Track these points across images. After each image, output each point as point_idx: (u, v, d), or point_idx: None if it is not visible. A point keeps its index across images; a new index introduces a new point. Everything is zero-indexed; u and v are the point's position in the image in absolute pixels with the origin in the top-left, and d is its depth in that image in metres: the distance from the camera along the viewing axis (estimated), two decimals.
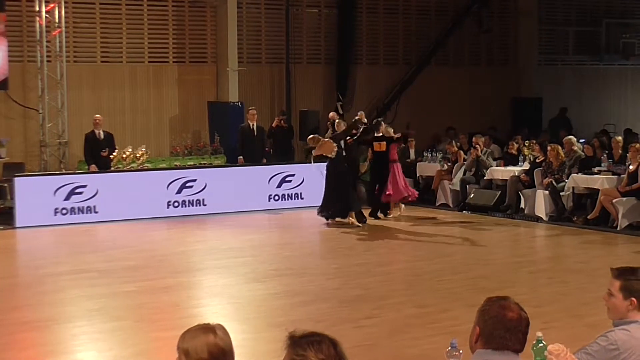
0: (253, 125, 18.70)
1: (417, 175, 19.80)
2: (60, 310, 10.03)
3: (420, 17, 23.58)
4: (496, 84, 24.04)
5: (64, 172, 17.84)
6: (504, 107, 24.13)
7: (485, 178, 17.98)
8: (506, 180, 17.45)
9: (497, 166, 18.24)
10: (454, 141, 19.73)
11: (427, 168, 19.60)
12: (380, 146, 17.05)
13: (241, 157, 18.63)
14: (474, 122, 22.74)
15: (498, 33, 24.60)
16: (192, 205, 17.36)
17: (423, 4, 23.59)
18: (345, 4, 22.34)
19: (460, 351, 4.28)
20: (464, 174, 18.39)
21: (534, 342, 4.19)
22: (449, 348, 4.30)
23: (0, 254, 14.29)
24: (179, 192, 17.32)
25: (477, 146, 18.25)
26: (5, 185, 17.03)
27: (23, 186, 16.27)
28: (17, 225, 15.97)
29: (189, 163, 18.78)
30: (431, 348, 8.05)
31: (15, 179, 16.33)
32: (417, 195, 17.67)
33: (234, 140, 18.99)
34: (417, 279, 11.52)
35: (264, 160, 18.98)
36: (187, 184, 17.40)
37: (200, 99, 20.60)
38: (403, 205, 17.53)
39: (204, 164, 18.73)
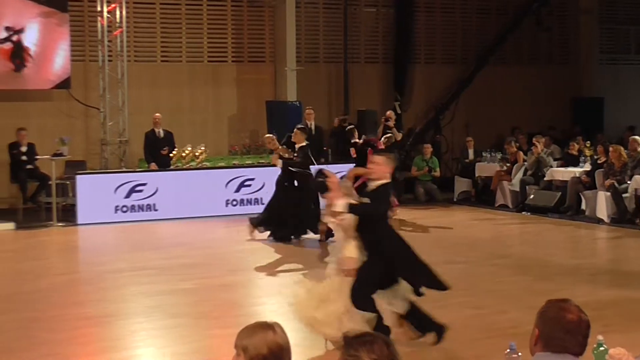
0: (311, 124, 18.73)
1: (476, 175, 19.66)
2: (120, 307, 10.16)
3: (479, 15, 23.41)
4: (556, 84, 23.77)
5: (124, 170, 18.07)
6: (564, 107, 23.85)
7: (545, 179, 17.79)
8: (566, 181, 17.24)
9: (557, 167, 18.03)
10: (512, 141, 19.55)
11: (486, 168, 19.45)
12: (352, 152, 16.49)
13: None
14: (533, 122, 22.53)
15: (558, 32, 24.33)
16: (251, 204, 17.46)
17: (481, 3, 23.42)
18: (403, 3, 22.28)
19: (519, 353, 4.24)
20: (524, 174, 18.21)
21: (595, 345, 4.14)
22: (508, 350, 4.26)
23: (62, 250, 14.53)
24: (237, 190, 17.45)
25: (537, 144, 18.06)
26: (68, 182, 17.30)
27: (84, 184, 16.52)
28: (79, 222, 16.22)
29: (247, 162, 18.88)
30: (489, 350, 7.99)
31: (77, 176, 16.59)
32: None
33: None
34: (474, 280, 11.44)
35: (322, 160, 19.00)
36: (246, 183, 17.51)
37: (258, 98, 20.69)
38: None
39: (262, 162, 18.81)
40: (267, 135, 15.90)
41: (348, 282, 7.85)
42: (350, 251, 7.92)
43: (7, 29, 17.84)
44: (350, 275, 7.86)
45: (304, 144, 14.72)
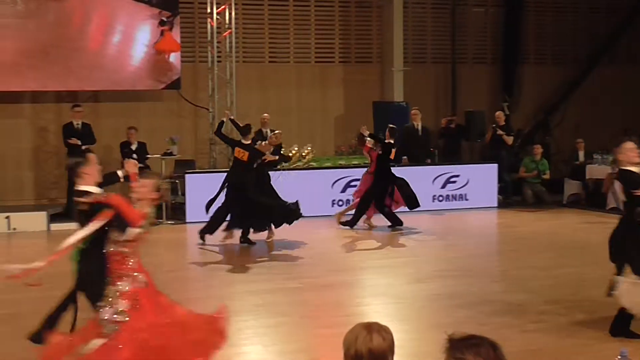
0: (417, 125, 18.67)
1: (587, 177, 19.23)
2: (227, 304, 10.25)
3: (590, 14, 22.88)
4: None
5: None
6: None
7: None
8: None
9: None
10: None
11: (597, 171, 18.99)
12: (392, 153, 15.82)
13: (405, 157, 18.62)
14: None
15: None
16: None
17: (593, 1, 22.89)
18: (512, 3, 21.96)
19: None
20: None
21: None
22: (619, 357, 4.15)
23: (171, 247, 14.79)
24: (343, 191, 17.50)
25: None
26: (177, 181, 17.63)
27: (193, 182, 16.79)
28: (188, 220, 16.50)
29: (353, 162, 18.88)
30: (600, 356, 7.81)
31: (186, 175, 16.88)
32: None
33: (399, 140, 18.96)
34: (584, 285, 11.18)
35: (429, 161, 18.90)
36: (352, 183, 17.51)
37: (365, 99, 20.69)
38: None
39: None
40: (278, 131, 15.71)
41: None
42: None
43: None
44: None
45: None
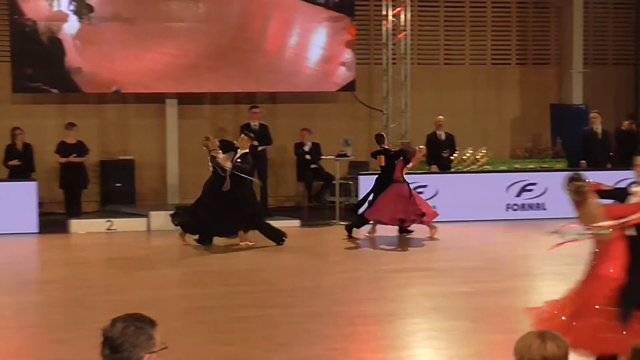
0: (597, 129, 18.08)
1: None
2: (399, 306, 10.27)
3: None
4: None
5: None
6: None
7: None
8: None
9: None
10: None
11: None
12: (380, 160, 15.37)
13: (584, 161, 18.08)
14: None
15: None
16: (532, 209, 17.12)
17: None
18: None
19: None
20: None
21: None
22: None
23: (343, 248, 14.90)
24: (518, 195, 17.17)
25: None
26: (350, 182, 17.75)
27: (366, 184, 16.81)
28: None
29: (529, 166, 18.49)
30: None
31: (360, 177, 16.97)
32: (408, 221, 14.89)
33: (577, 144, 18.45)
34: None
35: (609, 166, 18.27)
36: (527, 188, 17.18)
37: (542, 101, 20.23)
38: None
39: (545, 167, 18.36)
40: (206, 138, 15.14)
41: None
42: None
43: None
44: None
45: (247, 150, 14.55)
